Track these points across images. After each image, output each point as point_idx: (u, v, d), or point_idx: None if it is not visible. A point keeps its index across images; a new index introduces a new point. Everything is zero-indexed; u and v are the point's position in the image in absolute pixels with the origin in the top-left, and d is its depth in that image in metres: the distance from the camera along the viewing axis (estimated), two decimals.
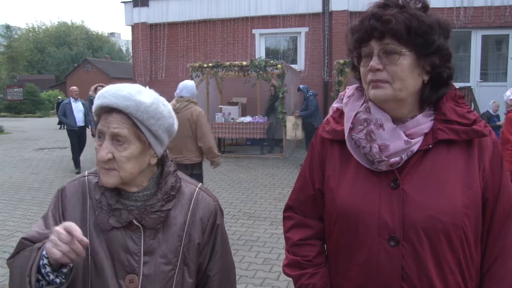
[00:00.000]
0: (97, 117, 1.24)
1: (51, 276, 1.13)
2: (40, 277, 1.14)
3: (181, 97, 5.00)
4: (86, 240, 1.09)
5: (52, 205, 1.33)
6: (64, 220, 1.27)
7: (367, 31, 1.18)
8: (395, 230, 1.18)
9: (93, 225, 1.26)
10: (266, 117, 11.73)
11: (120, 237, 1.24)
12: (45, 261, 1.13)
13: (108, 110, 1.20)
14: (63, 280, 1.14)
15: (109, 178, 1.21)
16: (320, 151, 1.39)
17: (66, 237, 1.07)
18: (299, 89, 10.42)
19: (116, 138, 1.20)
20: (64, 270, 1.14)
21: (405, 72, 1.17)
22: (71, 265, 1.15)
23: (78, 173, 8.67)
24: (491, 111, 10.26)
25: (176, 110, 4.69)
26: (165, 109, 1.27)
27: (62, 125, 21.21)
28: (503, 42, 13.20)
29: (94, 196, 1.28)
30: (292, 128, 9.97)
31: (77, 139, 9.98)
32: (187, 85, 5.03)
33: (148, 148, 1.26)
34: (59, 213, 1.30)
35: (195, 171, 4.99)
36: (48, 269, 1.13)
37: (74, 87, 10.52)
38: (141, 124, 1.21)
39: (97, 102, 1.22)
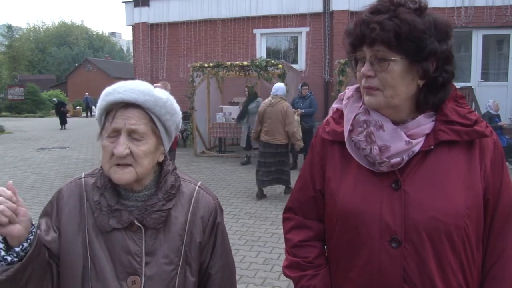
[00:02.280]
0: (107, 113, 1.22)
1: (2, 253, 1.10)
2: None
3: (276, 95, 7.18)
4: (9, 183, 1.10)
5: (47, 207, 1.31)
6: (59, 222, 1.26)
7: (358, 37, 1.17)
8: (397, 232, 1.17)
9: (92, 227, 1.24)
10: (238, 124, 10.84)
11: (121, 238, 1.22)
12: (0, 237, 1.11)
13: (123, 105, 1.19)
14: (15, 259, 1.10)
15: (124, 175, 1.18)
16: (321, 151, 1.37)
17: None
18: (304, 84, 10.11)
19: (133, 134, 1.19)
20: (17, 249, 1.10)
21: (396, 79, 1.15)
22: (25, 244, 1.12)
23: None
24: (491, 111, 10.21)
25: (272, 105, 7.13)
26: (177, 106, 1.30)
27: (63, 126, 20.96)
28: (504, 42, 13.19)
29: (92, 197, 1.26)
30: (297, 126, 9.71)
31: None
32: (280, 87, 7.29)
33: (160, 144, 1.27)
34: (53, 217, 1.27)
35: (282, 149, 7.10)
36: (0, 245, 1.11)
37: (165, 82, 8.47)
38: (158, 120, 1.22)
39: (110, 98, 1.19)
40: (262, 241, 5.24)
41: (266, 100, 7.31)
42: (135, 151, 1.18)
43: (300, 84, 10.32)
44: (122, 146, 1.16)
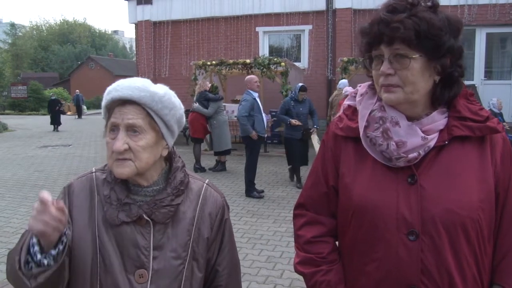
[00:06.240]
0: (108, 111, 1.25)
1: (38, 256, 1.11)
2: (29, 259, 1.12)
3: (340, 88, 9.56)
4: (61, 203, 1.09)
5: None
6: (71, 216, 1.27)
7: (376, 36, 1.19)
8: (414, 224, 1.19)
9: (102, 221, 1.26)
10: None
11: (130, 232, 1.24)
12: (34, 239, 1.12)
13: (121, 102, 1.22)
14: (52, 262, 1.12)
15: (124, 169, 1.21)
16: (333, 147, 1.38)
17: (39, 206, 1.06)
18: (303, 89, 7.79)
19: (131, 129, 1.21)
20: (53, 252, 1.12)
21: (416, 76, 1.18)
22: (60, 247, 1.13)
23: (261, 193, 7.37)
24: (494, 109, 10.16)
25: (336, 95, 9.58)
26: (177, 101, 1.30)
27: (56, 126, 19.26)
28: (508, 40, 13.15)
29: (102, 192, 1.28)
30: (318, 141, 8.26)
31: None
32: (342, 82, 9.84)
33: (161, 138, 1.28)
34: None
35: None
36: (36, 248, 1.12)
37: (254, 76, 7.39)
38: (155, 114, 1.23)
39: (109, 96, 1.23)
40: (265, 239, 5.24)
41: (335, 91, 9.93)
42: (133, 146, 1.20)
43: (298, 88, 7.80)
44: (120, 142, 1.19)
